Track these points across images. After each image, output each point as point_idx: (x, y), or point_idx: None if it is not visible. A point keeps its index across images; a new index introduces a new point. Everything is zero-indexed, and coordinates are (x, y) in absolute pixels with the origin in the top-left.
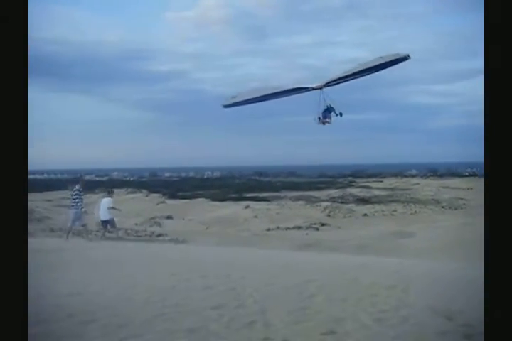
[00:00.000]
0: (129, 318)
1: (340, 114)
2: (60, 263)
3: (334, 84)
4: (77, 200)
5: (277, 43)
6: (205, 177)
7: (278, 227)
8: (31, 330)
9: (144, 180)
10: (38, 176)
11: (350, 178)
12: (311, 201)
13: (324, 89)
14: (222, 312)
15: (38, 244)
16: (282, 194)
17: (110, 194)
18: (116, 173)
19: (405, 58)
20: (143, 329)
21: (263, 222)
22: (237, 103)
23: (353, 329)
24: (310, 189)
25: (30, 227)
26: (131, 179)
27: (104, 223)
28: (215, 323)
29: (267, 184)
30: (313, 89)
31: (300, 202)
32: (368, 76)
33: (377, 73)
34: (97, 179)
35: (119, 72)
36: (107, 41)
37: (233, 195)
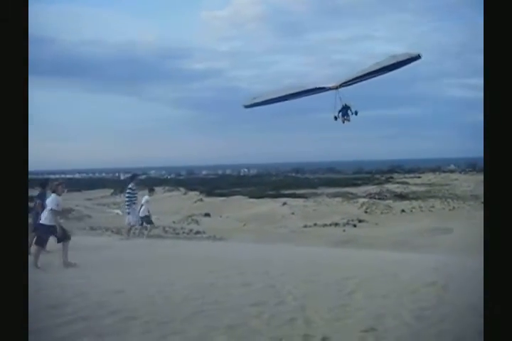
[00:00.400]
0: (169, 315)
1: (356, 113)
2: (101, 261)
3: (350, 84)
4: (131, 199)
5: (312, 39)
6: (242, 174)
7: (315, 224)
8: (74, 327)
9: (181, 178)
10: (76, 175)
11: (387, 174)
12: (348, 197)
13: (340, 89)
14: (262, 309)
15: (77, 242)
16: (319, 190)
17: (150, 192)
18: (153, 172)
19: (417, 58)
20: (183, 326)
21: (300, 218)
22: (257, 103)
23: (394, 327)
24: (347, 185)
25: (70, 226)
26: (169, 177)
27: (141, 219)
28: (255, 320)
29: (304, 181)
30: (330, 89)
31: (337, 199)
32: (403, 71)
33: (414, 68)
34: None
35: (155, 71)
36: (142, 41)
37: (270, 192)
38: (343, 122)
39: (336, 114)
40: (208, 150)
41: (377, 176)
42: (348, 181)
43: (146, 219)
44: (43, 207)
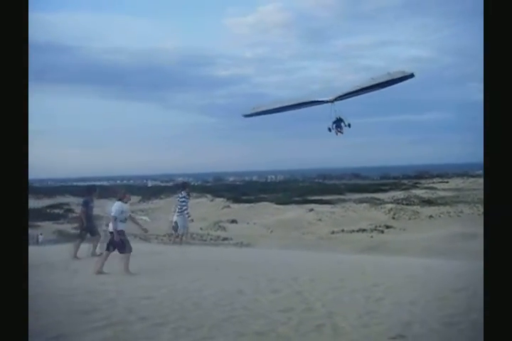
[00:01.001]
0: (198, 322)
1: (349, 125)
2: (131, 267)
3: (344, 98)
4: (183, 207)
5: (337, 45)
6: (269, 181)
7: (343, 230)
8: (105, 332)
9: (208, 184)
10: (105, 183)
11: (414, 180)
12: (375, 203)
13: (335, 103)
14: (290, 315)
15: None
16: (346, 196)
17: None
18: (180, 178)
19: (410, 76)
20: (212, 333)
21: (327, 225)
22: (256, 113)
23: (422, 333)
24: (374, 191)
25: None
26: (196, 184)
27: (175, 224)
28: (283, 326)
29: (331, 186)
30: (326, 102)
31: (364, 205)
32: (429, 75)
33: (439, 72)
34: (162, 184)
35: (181, 78)
36: (167, 49)
37: (297, 198)
38: (337, 134)
39: (330, 126)
40: (234, 156)
41: (404, 182)
42: (375, 187)
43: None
44: (88, 213)
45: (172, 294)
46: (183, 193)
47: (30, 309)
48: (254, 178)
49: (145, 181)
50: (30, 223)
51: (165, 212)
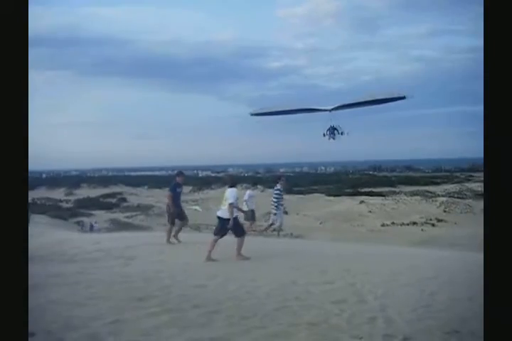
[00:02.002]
0: (251, 310)
1: (342, 133)
2: (184, 255)
3: (341, 109)
4: (279, 200)
5: (389, 35)
6: (319, 172)
7: (393, 223)
8: (160, 318)
9: (259, 175)
10: (156, 173)
11: (468, 172)
12: (427, 196)
13: (332, 112)
14: (343, 307)
15: (161, 238)
16: (397, 189)
17: (254, 186)
18: (231, 169)
19: (402, 98)
20: (265, 322)
21: (378, 217)
22: (261, 113)
23: (479, 330)
24: (426, 184)
25: (151, 222)
26: (247, 175)
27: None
28: (336, 318)
29: (382, 179)
30: (324, 110)
31: (416, 197)
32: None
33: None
34: (213, 175)
35: (232, 70)
36: (220, 41)
37: (348, 190)
38: (329, 139)
39: (325, 132)
40: (285, 148)
41: (457, 174)
42: (427, 179)
43: (252, 215)
44: (175, 198)
45: (226, 283)
46: (278, 186)
47: (88, 295)
48: (305, 169)
49: (196, 171)
50: (85, 211)
51: (216, 202)
